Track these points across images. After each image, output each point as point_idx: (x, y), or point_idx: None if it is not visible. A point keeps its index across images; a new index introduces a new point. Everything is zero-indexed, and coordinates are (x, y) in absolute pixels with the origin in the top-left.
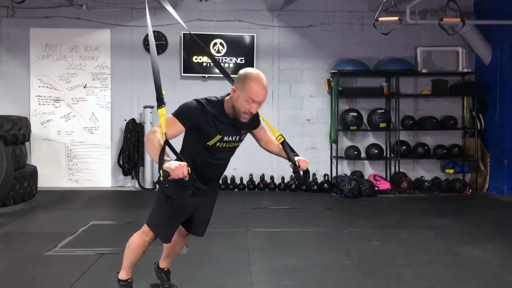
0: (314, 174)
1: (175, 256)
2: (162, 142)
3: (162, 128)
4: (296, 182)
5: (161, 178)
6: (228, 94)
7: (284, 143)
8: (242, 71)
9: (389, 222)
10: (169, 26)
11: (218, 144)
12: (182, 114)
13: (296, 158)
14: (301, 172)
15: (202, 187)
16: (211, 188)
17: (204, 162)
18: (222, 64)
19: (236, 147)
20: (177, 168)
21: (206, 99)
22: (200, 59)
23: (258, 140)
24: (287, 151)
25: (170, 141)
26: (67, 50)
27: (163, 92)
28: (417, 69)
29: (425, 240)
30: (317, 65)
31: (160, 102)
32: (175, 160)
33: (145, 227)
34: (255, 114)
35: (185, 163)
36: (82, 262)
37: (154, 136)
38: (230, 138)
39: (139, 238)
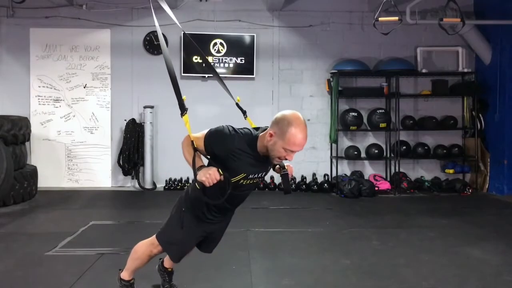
0: (314, 174)
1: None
2: (192, 152)
3: (190, 136)
4: (283, 186)
5: (198, 188)
6: (261, 129)
7: None
8: (282, 116)
9: (389, 222)
10: (169, 26)
11: (241, 181)
12: (209, 141)
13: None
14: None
15: (219, 217)
16: (228, 216)
17: None
18: (223, 64)
19: (260, 182)
20: (208, 177)
21: (240, 131)
22: (200, 59)
23: None
24: None
25: None
26: (67, 50)
27: (184, 96)
28: (417, 69)
29: (425, 240)
30: (317, 65)
31: (182, 109)
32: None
33: (154, 240)
34: None
35: (215, 168)
36: (82, 262)
37: (188, 144)
38: (255, 175)
39: (147, 249)
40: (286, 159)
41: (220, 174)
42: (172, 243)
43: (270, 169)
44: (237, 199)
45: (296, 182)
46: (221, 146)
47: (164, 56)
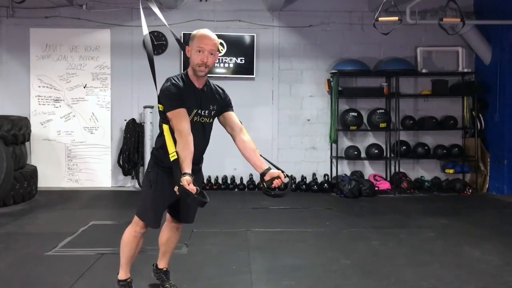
0: (314, 174)
1: (171, 254)
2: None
3: (168, 146)
4: (289, 186)
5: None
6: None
7: (262, 156)
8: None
9: (389, 222)
10: (170, 26)
11: (195, 118)
12: (175, 100)
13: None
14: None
15: None
16: (194, 171)
17: None
18: (223, 64)
19: (209, 124)
20: (188, 188)
21: (174, 77)
22: None
23: (229, 129)
24: (269, 161)
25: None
26: (67, 50)
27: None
28: (417, 69)
29: (425, 240)
30: (317, 65)
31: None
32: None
33: (135, 218)
34: (224, 96)
35: (190, 179)
36: (82, 262)
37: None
38: (203, 112)
39: (131, 230)
40: (206, 65)
41: (195, 187)
42: (147, 209)
43: (213, 110)
44: (196, 148)
45: (296, 182)
46: (181, 94)
47: (147, 54)
